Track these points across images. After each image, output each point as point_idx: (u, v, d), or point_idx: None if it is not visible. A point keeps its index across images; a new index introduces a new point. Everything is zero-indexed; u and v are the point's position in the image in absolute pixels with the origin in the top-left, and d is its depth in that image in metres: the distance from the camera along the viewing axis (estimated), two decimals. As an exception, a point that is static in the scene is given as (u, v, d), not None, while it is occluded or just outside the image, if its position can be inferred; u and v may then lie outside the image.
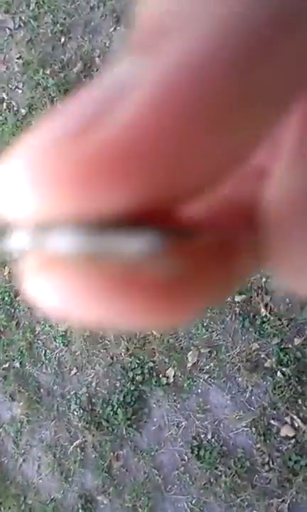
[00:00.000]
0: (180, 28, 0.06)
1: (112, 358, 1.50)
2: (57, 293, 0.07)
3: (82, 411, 1.50)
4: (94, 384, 1.51)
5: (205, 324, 1.34)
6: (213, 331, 1.33)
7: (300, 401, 1.17)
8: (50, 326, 1.60)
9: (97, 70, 1.67)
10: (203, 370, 1.33)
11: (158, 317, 0.07)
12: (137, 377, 1.42)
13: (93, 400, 1.50)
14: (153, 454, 1.37)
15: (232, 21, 0.06)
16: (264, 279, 1.27)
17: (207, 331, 1.34)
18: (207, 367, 1.32)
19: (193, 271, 0.07)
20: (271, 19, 0.06)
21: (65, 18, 1.76)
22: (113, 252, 0.06)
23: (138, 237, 0.06)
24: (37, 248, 0.06)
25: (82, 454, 1.48)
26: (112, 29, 1.68)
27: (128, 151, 0.06)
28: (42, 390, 1.59)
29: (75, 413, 1.51)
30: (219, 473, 1.26)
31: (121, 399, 1.44)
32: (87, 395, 1.51)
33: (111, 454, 1.43)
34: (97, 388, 1.51)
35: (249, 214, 0.08)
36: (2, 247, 0.07)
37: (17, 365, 1.65)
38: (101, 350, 1.52)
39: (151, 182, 0.06)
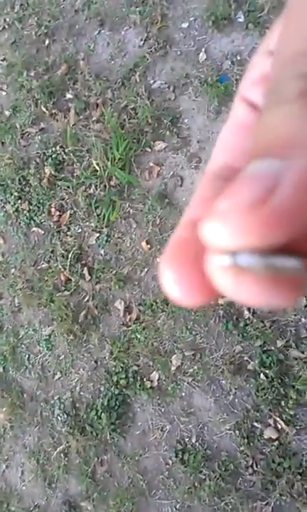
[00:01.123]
0: (302, 148, 0.10)
1: (96, 361, 1.51)
2: (243, 286, 0.11)
3: (65, 416, 1.50)
4: (78, 388, 1.52)
5: (189, 327, 1.36)
6: (197, 334, 1.34)
7: (283, 403, 1.19)
8: (33, 330, 1.60)
9: (81, 72, 1.68)
10: (187, 373, 1.34)
11: (295, 296, 0.12)
12: (121, 381, 1.43)
13: (77, 405, 1.50)
14: (137, 458, 1.38)
15: None
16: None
17: (191, 333, 1.35)
18: (191, 370, 1.33)
19: None
20: None
21: (49, 21, 1.77)
22: (275, 267, 0.11)
23: (289, 259, 0.11)
24: (236, 264, 0.11)
25: (66, 459, 1.48)
26: (96, 32, 1.69)
27: (291, 213, 0.10)
28: (25, 395, 1.59)
29: (59, 418, 1.51)
30: (204, 476, 1.27)
31: (106, 403, 1.44)
32: (70, 399, 1.51)
33: (96, 459, 1.43)
34: (81, 393, 1.51)
35: None
36: (214, 263, 0.12)
37: (0, 370, 1.64)
38: (85, 354, 1.52)
39: (296, 228, 0.10)
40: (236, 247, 0.11)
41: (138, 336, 1.43)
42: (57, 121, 1.68)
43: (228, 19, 1.49)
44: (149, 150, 1.50)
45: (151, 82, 1.58)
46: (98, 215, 1.55)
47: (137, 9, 1.64)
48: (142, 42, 1.62)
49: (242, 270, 0.11)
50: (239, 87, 0.17)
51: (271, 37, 0.16)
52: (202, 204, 0.15)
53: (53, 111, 1.71)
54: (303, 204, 0.10)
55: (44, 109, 1.71)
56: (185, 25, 1.57)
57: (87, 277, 1.55)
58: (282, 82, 0.12)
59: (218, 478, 1.25)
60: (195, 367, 1.33)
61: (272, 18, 1.45)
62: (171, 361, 1.36)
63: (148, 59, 1.59)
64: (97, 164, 1.55)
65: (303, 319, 1.22)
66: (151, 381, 1.39)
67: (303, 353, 1.19)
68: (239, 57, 1.46)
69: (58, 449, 1.49)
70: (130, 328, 1.45)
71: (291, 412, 1.18)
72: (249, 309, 1.28)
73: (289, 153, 0.11)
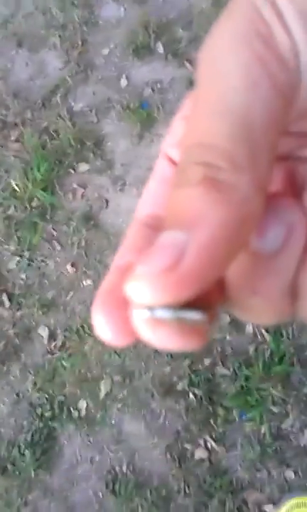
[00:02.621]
0: (202, 224, 0.13)
1: (18, 394, 1.45)
2: (159, 335, 0.14)
3: (-16, 456, 1.42)
4: (-3, 425, 1.45)
5: (117, 351, 1.38)
6: (126, 357, 1.36)
7: (211, 421, 1.24)
8: None
9: (-1, 91, 1.67)
10: (117, 398, 1.35)
11: (201, 342, 0.15)
12: (46, 414, 1.40)
13: (-3, 443, 1.43)
14: (65, 494, 1.34)
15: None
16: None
17: (119, 357, 1.37)
18: (121, 395, 1.34)
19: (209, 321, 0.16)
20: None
21: None
22: (184, 319, 0.14)
23: (194, 312, 0.14)
24: (153, 316, 0.14)
25: (-15, 505, 1.39)
26: (14, 52, 1.71)
27: (195, 277, 0.13)
28: None
29: (-24, 460, 1.42)
30: (136, 505, 1.27)
31: (29, 439, 1.39)
32: (-11, 438, 1.44)
33: (19, 499, 1.36)
34: (1, 429, 1.44)
35: (221, 288, 0.16)
36: (135, 316, 0.15)
37: None
38: (6, 387, 1.46)
39: (199, 288, 0.14)
40: (152, 303, 0.14)
41: (64, 364, 1.41)
42: (-28, 139, 1.64)
43: (148, 48, 1.59)
44: (72, 171, 1.53)
45: (73, 104, 1.62)
46: (19, 238, 1.52)
47: (56, 32, 1.68)
48: (62, 65, 1.67)
49: (158, 321, 0.14)
50: (161, 146, 0.20)
51: (187, 104, 0.19)
52: (130, 251, 0.18)
53: None
54: (203, 269, 0.13)
55: None
56: (105, 51, 1.65)
57: (7, 304, 1.51)
58: (187, 166, 0.14)
59: (151, 506, 1.26)
60: (125, 391, 1.34)
61: (190, 51, 1.58)
62: (100, 388, 1.36)
63: (69, 82, 1.63)
64: (17, 185, 1.53)
65: (227, 337, 1.30)
66: (79, 410, 1.37)
67: (229, 369, 1.26)
68: (159, 86, 1.56)
69: (-24, 495, 1.40)
70: (55, 355, 1.43)
71: (220, 430, 1.24)
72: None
73: (191, 228, 0.13)
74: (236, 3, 0.15)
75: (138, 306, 0.14)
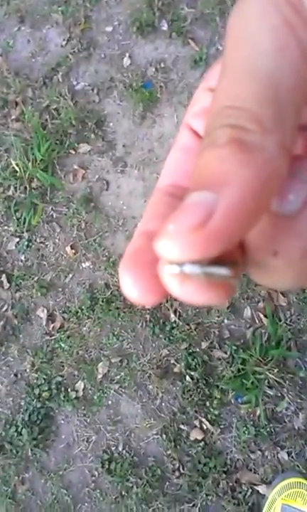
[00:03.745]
0: (231, 184, 0.14)
1: (16, 375, 1.50)
2: (187, 289, 0.16)
3: (-18, 435, 1.47)
4: (-5, 404, 1.50)
5: (115, 333, 1.42)
6: (124, 340, 1.41)
7: (207, 403, 1.29)
8: None
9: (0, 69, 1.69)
10: (114, 380, 1.39)
11: (227, 296, 0.16)
12: (44, 394, 1.45)
13: (-5, 422, 1.49)
14: (61, 473, 1.40)
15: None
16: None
17: (117, 339, 1.41)
18: (118, 377, 1.39)
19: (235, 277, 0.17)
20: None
21: None
22: (211, 274, 0.16)
23: (221, 268, 0.16)
24: (182, 272, 0.15)
25: (-17, 481, 1.45)
26: (16, 28, 1.72)
27: (223, 235, 0.14)
28: None
29: (-26, 438, 1.48)
30: (131, 484, 1.33)
31: (26, 418, 1.45)
32: (-13, 417, 1.49)
33: (16, 478, 1.42)
34: (-1, 409, 1.49)
35: (243, 248, 0.17)
36: (165, 271, 0.16)
37: None
38: (4, 368, 1.51)
39: (226, 245, 0.15)
40: (182, 259, 0.15)
41: (63, 345, 1.45)
42: (-28, 118, 1.67)
43: (152, 26, 1.60)
44: (73, 152, 1.55)
45: (75, 83, 1.64)
46: (18, 219, 1.56)
47: (59, 8, 1.69)
48: (65, 42, 1.68)
49: (187, 277, 0.15)
50: (184, 117, 0.22)
51: (211, 74, 0.20)
52: (154, 218, 0.19)
53: None
54: (230, 228, 0.14)
55: None
56: (109, 28, 1.66)
57: (6, 285, 1.55)
58: (214, 128, 0.15)
59: (145, 485, 1.31)
60: (122, 373, 1.39)
61: (195, 29, 1.59)
62: (97, 369, 1.41)
63: (71, 59, 1.65)
64: (17, 165, 1.56)
65: (226, 320, 1.33)
66: (76, 391, 1.42)
67: (225, 353, 1.30)
68: (163, 65, 1.57)
69: (-27, 471, 1.46)
70: (53, 337, 1.47)
71: (216, 412, 1.28)
72: (175, 313, 1.37)
73: (220, 188, 0.14)
74: None
75: (167, 262, 0.15)
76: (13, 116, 1.63)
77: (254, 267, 0.17)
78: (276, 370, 1.25)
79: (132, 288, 0.17)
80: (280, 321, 1.31)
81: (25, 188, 1.56)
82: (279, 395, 1.25)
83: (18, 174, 1.57)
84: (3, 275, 1.55)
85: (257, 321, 1.33)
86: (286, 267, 0.17)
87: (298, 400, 1.24)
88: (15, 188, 1.58)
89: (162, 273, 0.16)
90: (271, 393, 1.26)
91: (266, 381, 1.26)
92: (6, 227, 1.58)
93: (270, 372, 1.25)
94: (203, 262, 0.15)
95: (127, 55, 1.61)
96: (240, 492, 1.25)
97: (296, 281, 0.17)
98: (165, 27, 1.61)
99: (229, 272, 0.16)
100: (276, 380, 1.25)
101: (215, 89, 0.16)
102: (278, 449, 1.23)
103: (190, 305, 1.38)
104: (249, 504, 1.24)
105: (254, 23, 0.15)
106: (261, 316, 1.33)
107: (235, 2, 0.17)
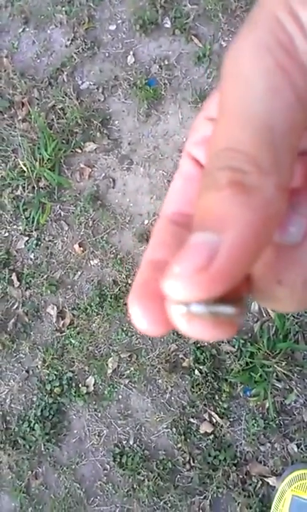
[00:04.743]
0: (232, 225, 0.15)
1: (28, 371, 1.53)
2: (194, 327, 0.16)
3: (-5, 430, 1.51)
4: (8, 401, 1.53)
5: (124, 329, 1.44)
6: (133, 335, 1.43)
7: (216, 396, 1.31)
8: None
9: (5, 70, 1.72)
10: (124, 375, 1.42)
11: (232, 332, 0.17)
12: (55, 390, 1.48)
13: (7, 418, 1.52)
14: (74, 467, 1.43)
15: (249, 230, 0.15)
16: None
17: (126, 335, 1.44)
18: (128, 372, 1.42)
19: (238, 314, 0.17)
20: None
21: None
22: (217, 313, 0.16)
23: (225, 307, 0.16)
24: (188, 311, 0.16)
25: (-3, 476, 1.49)
26: (21, 30, 1.74)
27: (227, 274, 0.15)
28: None
29: (-12, 433, 1.51)
30: (142, 478, 1.35)
31: (39, 413, 1.48)
32: (0, 413, 1.52)
33: (29, 472, 1.46)
34: (12, 405, 1.53)
35: (249, 281, 0.18)
36: (173, 311, 0.17)
37: None
38: (16, 365, 1.55)
39: (230, 284, 0.15)
40: (188, 299, 0.16)
41: (73, 341, 1.48)
42: (-20, 119, 1.70)
43: (155, 24, 1.62)
44: (79, 151, 1.58)
45: (79, 82, 1.66)
46: (27, 218, 1.59)
47: (63, 9, 1.71)
48: (69, 42, 1.70)
49: (193, 316, 0.16)
50: (185, 145, 0.23)
51: (210, 103, 0.21)
52: (160, 246, 0.20)
53: (-26, 108, 1.73)
54: (234, 267, 0.15)
55: None
56: (112, 27, 1.68)
57: (16, 283, 1.58)
58: (214, 169, 0.16)
59: (157, 478, 1.33)
60: (132, 368, 1.41)
61: (198, 26, 1.61)
62: (107, 364, 1.44)
63: (75, 59, 1.67)
64: (24, 165, 1.59)
65: (233, 315, 1.35)
66: (87, 386, 1.45)
67: (234, 347, 1.32)
68: (166, 62, 1.59)
69: (-12, 466, 1.49)
70: (64, 333, 1.50)
71: (225, 405, 1.30)
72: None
73: (222, 229, 0.15)
74: (258, 14, 0.16)
75: (175, 302, 0.16)
76: (20, 117, 1.66)
77: (259, 295, 0.18)
78: (284, 363, 1.26)
79: (141, 320, 0.18)
80: (287, 314, 1.32)
81: (33, 187, 1.59)
82: (288, 387, 1.26)
83: (25, 174, 1.60)
84: (14, 273, 1.59)
85: (264, 315, 1.34)
86: (289, 294, 0.17)
87: (307, 393, 1.25)
88: (24, 187, 1.60)
89: (169, 311, 0.17)
90: (280, 386, 1.27)
91: (275, 374, 1.27)
92: (15, 227, 1.61)
93: (278, 365, 1.26)
94: (209, 301, 0.16)
95: (131, 53, 1.63)
96: (250, 484, 1.27)
97: (300, 306, 0.18)
98: (168, 24, 1.63)
99: (234, 310, 0.17)
100: (284, 373, 1.27)
101: (214, 129, 0.17)
102: (288, 441, 1.24)
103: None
104: (260, 496, 1.25)
105: (248, 66, 0.16)
106: (268, 309, 1.34)
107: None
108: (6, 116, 1.67)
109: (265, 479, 1.25)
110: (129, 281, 1.46)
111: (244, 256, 0.15)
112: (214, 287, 0.15)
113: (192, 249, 0.15)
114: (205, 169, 0.17)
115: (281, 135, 0.15)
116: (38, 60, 1.71)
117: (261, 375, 1.26)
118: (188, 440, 1.33)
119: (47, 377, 1.50)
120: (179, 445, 1.33)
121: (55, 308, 1.53)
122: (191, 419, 1.33)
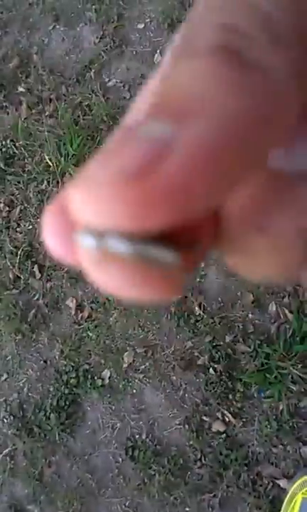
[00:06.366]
0: (204, 113, 0.09)
1: (46, 361, 1.53)
2: (108, 274, 0.10)
3: (12, 418, 1.51)
4: (25, 389, 1.53)
5: (141, 324, 1.42)
6: (149, 331, 1.41)
7: (230, 396, 1.27)
8: (-21, 330, 1.59)
9: (34, 66, 1.71)
10: (139, 370, 1.39)
11: (167, 294, 0.11)
12: (71, 381, 1.46)
13: (24, 406, 1.52)
14: (86, 458, 1.42)
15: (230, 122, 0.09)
16: (198, 280, 1.38)
17: (143, 331, 1.41)
18: (143, 367, 1.39)
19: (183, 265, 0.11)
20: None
21: (1, 12, 1.78)
22: (148, 257, 0.10)
23: (164, 250, 0.10)
24: (101, 247, 0.10)
25: (12, 462, 1.48)
26: (51, 27, 1.73)
27: (170, 197, 0.09)
28: (-31, 398, 1.57)
29: (5, 420, 1.51)
30: (153, 472, 1.33)
31: (55, 403, 1.47)
32: (17, 401, 1.52)
33: (43, 460, 1.45)
34: (29, 394, 1.52)
35: (216, 220, 0.11)
36: (79, 242, 0.10)
37: None
38: (34, 354, 1.54)
39: (181, 212, 0.09)
40: (105, 227, 0.09)
41: (90, 334, 1.47)
42: (8, 114, 1.69)
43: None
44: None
45: (106, 80, 1.64)
46: (50, 212, 1.58)
47: (93, 7, 1.69)
48: (98, 40, 1.68)
49: (108, 256, 0.10)
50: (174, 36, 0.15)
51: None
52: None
53: (4, 104, 1.72)
54: (191, 182, 0.09)
55: (-6, 102, 1.72)
56: (140, 26, 1.65)
57: (38, 275, 1.58)
58: (199, 31, 0.10)
59: (167, 473, 1.31)
60: (147, 363, 1.38)
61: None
62: (123, 358, 1.41)
63: (103, 57, 1.65)
64: (50, 160, 1.58)
65: (250, 315, 1.31)
66: (102, 379, 1.43)
67: (249, 347, 1.28)
68: (193, 61, 1.55)
69: (4, 452, 1.49)
70: (82, 326, 1.49)
71: (238, 405, 1.27)
72: (199, 306, 1.36)
73: (185, 117, 0.09)
74: None
75: (83, 229, 0.10)
76: (47, 113, 1.65)
77: (227, 247, 0.12)
78: (300, 366, 1.22)
79: (51, 237, 0.12)
80: (305, 316, 1.27)
81: (58, 182, 1.58)
82: (303, 390, 1.22)
83: (51, 169, 1.58)
84: (36, 266, 1.58)
85: (282, 316, 1.30)
86: (271, 248, 0.11)
87: (322, 396, 1.21)
88: (49, 182, 1.59)
89: (76, 242, 0.11)
90: (295, 389, 1.23)
91: (290, 376, 1.23)
92: (38, 220, 1.60)
93: (294, 368, 1.22)
94: (139, 237, 0.10)
95: (158, 51, 1.60)
96: (261, 485, 1.23)
97: (280, 271, 0.12)
98: (196, 23, 1.59)
99: (176, 257, 0.10)
100: (299, 376, 1.22)
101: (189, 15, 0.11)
102: (301, 444, 1.20)
103: (214, 298, 1.37)
104: (270, 497, 1.22)
105: None
106: (286, 311, 1.30)
107: None
108: (33, 111, 1.66)
109: (276, 481, 1.21)
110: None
111: (212, 168, 0.09)
112: (153, 211, 0.09)
113: (130, 141, 0.09)
114: (186, 27, 0.11)
115: (283, 15, 0.09)
116: (67, 57, 1.70)
117: (276, 377, 1.22)
118: (200, 438, 1.30)
119: (64, 368, 1.48)
120: (191, 442, 1.30)
121: (74, 301, 1.51)
122: (204, 417, 1.30)
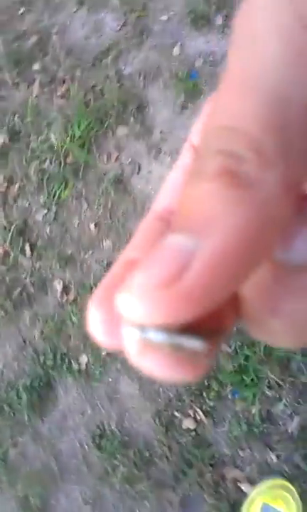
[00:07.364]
0: (215, 228, 0.11)
1: (25, 341, 1.49)
2: (148, 360, 0.12)
3: (-17, 394, 1.47)
4: (0, 366, 1.49)
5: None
6: (132, 321, 1.38)
7: (204, 394, 1.24)
8: None
9: (53, 46, 1.68)
10: (117, 359, 1.36)
11: (196, 376, 0.13)
12: (48, 362, 1.43)
13: (-3, 383, 1.48)
14: (53, 442, 1.38)
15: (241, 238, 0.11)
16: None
17: (125, 320, 1.38)
18: (121, 356, 1.36)
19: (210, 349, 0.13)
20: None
21: (27, -11, 1.76)
22: (180, 346, 0.12)
23: (192, 340, 0.12)
24: (144, 338, 0.12)
25: (-23, 438, 1.45)
26: (74, 10, 1.71)
27: (200, 294, 0.11)
28: None
29: (-24, 395, 1.48)
30: (118, 463, 1.29)
31: (28, 384, 1.44)
32: (-9, 377, 1.49)
33: (9, 440, 1.41)
34: (3, 370, 1.49)
35: (236, 303, 0.13)
36: (124, 335, 0.12)
37: None
38: (14, 332, 1.51)
39: (205, 307, 0.11)
40: (145, 322, 0.11)
41: (73, 318, 1.44)
42: (20, 91, 1.67)
43: (206, 19, 1.56)
44: (111, 133, 1.53)
45: (123, 67, 1.61)
46: (49, 192, 1.55)
47: (119, -7, 1.67)
48: (119, 27, 1.66)
49: (148, 345, 0.12)
50: (189, 136, 0.18)
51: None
52: (141, 245, 0.16)
53: (17, 80, 1.70)
54: (212, 284, 0.11)
55: (7, 77, 1.69)
56: (164, 18, 1.63)
57: (28, 254, 1.54)
58: (206, 154, 0.12)
59: (132, 466, 1.28)
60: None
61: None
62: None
63: (122, 44, 1.62)
64: (56, 139, 1.55)
65: (235, 315, 1.28)
66: (79, 364, 1.40)
67: (230, 347, 1.25)
68: (212, 58, 1.53)
69: (-30, 427, 1.46)
70: (65, 309, 1.46)
71: (211, 404, 1.24)
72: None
73: (203, 232, 0.11)
74: None
75: (128, 324, 0.12)
76: (59, 93, 1.62)
77: (249, 323, 0.14)
78: (277, 371, 1.19)
79: (97, 328, 0.14)
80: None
81: (60, 162, 1.55)
82: (277, 396, 1.19)
83: (55, 148, 1.56)
84: (27, 244, 1.55)
85: (267, 320, 1.27)
86: (286, 328, 0.13)
87: (296, 404, 1.18)
88: (51, 161, 1.56)
89: (121, 334, 0.12)
90: (270, 394, 1.20)
91: (267, 381, 1.20)
92: (36, 198, 1.57)
93: (271, 373, 1.19)
94: (173, 329, 0.12)
95: (178, 45, 1.58)
96: (223, 487, 1.20)
97: (299, 343, 0.14)
98: (219, 21, 1.57)
99: (205, 346, 0.12)
100: (276, 381, 1.19)
101: (214, 103, 0.12)
102: (268, 450, 1.17)
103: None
104: (231, 501, 1.18)
105: (261, 19, 0.12)
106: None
107: None
108: (45, 90, 1.64)
109: (239, 484, 1.18)
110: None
111: (227, 271, 0.11)
112: (183, 310, 0.11)
113: (160, 254, 0.11)
114: (195, 152, 0.13)
115: (296, 113, 0.11)
116: (86, 41, 1.67)
117: (252, 379, 1.19)
118: (169, 433, 1.27)
119: (42, 349, 1.45)
120: (159, 436, 1.27)
121: (62, 283, 1.48)
122: (175, 413, 1.27)
